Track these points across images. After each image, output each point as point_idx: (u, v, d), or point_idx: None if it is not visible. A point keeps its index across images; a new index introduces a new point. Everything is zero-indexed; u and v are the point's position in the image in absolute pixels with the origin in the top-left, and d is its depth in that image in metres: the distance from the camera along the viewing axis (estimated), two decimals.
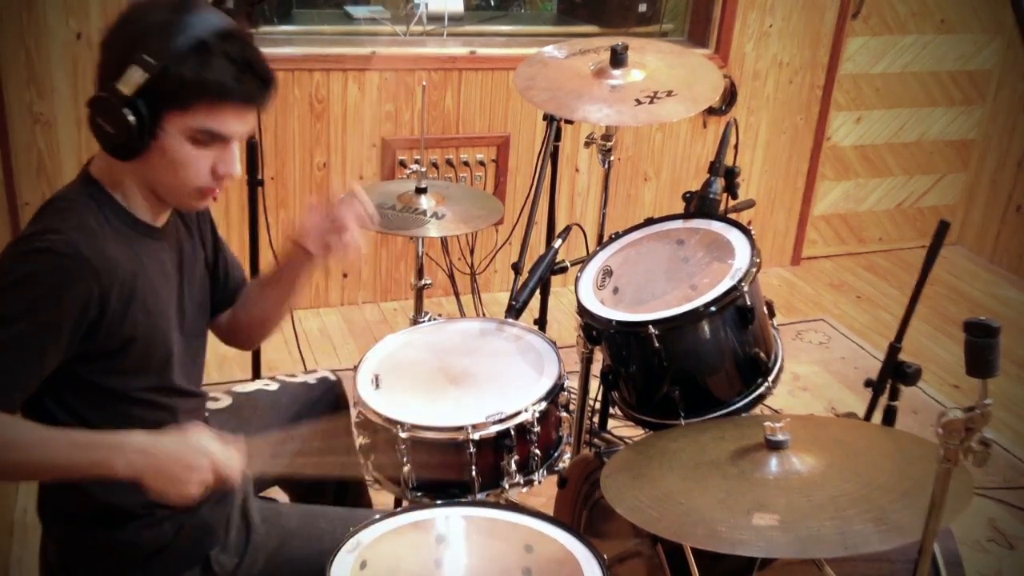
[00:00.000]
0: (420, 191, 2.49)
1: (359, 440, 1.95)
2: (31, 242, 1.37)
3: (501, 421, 1.85)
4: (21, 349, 1.34)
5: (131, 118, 1.37)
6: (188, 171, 1.43)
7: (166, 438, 1.37)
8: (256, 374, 2.83)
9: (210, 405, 1.83)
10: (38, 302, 1.34)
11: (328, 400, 2.00)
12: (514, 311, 2.12)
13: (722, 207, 2.21)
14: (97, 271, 1.37)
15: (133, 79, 1.36)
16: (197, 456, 1.37)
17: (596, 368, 2.13)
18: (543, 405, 1.91)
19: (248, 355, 2.84)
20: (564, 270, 2.28)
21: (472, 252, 3.50)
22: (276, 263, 1.77)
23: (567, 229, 2.29)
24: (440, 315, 3.22)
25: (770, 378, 1.95)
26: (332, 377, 2.05)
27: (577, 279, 2.10)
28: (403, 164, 3.55)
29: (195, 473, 1.36)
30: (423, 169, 2.50)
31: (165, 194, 1.49)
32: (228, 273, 1.77)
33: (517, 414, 1.87)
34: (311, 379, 2.03)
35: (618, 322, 1.93)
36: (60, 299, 1.35)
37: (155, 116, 1.38)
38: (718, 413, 1.91)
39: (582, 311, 2.00)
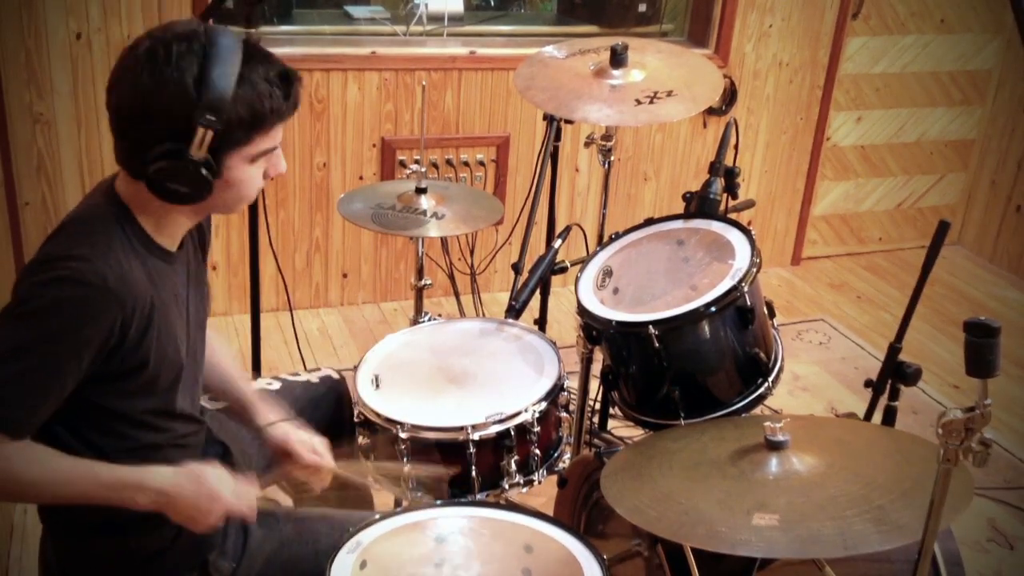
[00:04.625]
0: (420, 191, 2.49)
1: (359, 440, 1.95)
2: (56, 268, 1.35)
3: (501, 421, 1.86)
4: (42, 377, 1.34)
5: (208, 176, 1.39)
6: (252, 189, 1.48)
7: (186, 477, 1.42)
8: (256, 375, 2.83)
9: (210, 405, 1.83)
10: (62, 331, 1.33)
11: (331, 399, 2.00)
12: (514, 311, 2.12)
13: (722, 207, 2.21)
14: (123, 301, 1.36)
15: (203, 141, 1.36)
16: (212, 499, 1.42)
17: (596, 368, 2.13)
18: (543, 405, 1.91)
19: (248, 356, 2.84)
20: (564, 270, 2.28)
21: (472, 252, 3.50)
22: (241, 396, 1.79)
23: (567, 229, 2.29)
24: (440, 315, 3.22)
25: (770, 378, 1.95)
26: (335, 376, 2.05)
27: (577, 279, 2.10)
28: (403, 164, 3.55)
29: (211, 513, 1.43)
30: (423, 169, 2.50)
31: (221, 210, 1.51)
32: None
33: (517, 414, 1.87)
34: (314, 378, 2.03)
35: (618, 322, 1.93)
36: (84, 329, 1.34)
37: (220, 160, 1.40)
38: (718, 413, 1.91)
39: (582, 311, 2.00)
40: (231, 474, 1.48)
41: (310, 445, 1.73)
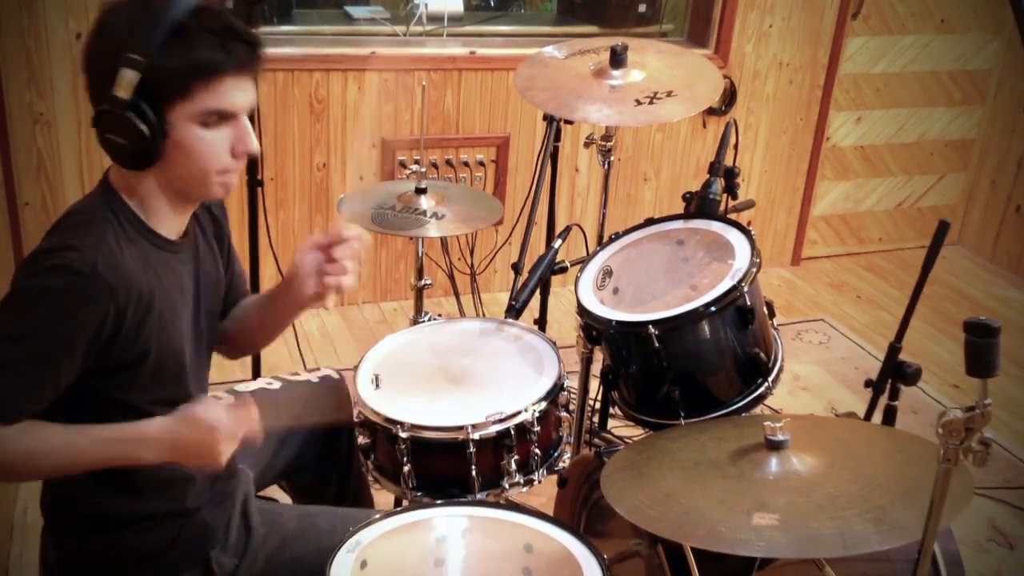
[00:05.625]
0: (420, 191, 2.49)
1: (359, 440, 1.95)
2: (49, 258, 1.36)
3: (501, 421, 1.86)
4: (35, 366, 1.35)
5: (139, 123, 1.36)
6: (207, 157, 1.42)
7: (182, 422, 1.40)
8: (256, 375, 2.83)
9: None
10: (54, 320, 1.34)
11: (331, 399, 2.00)
12: (514, 311, 2.12)
13: (722, 207, 2.21)
14: (114, 289, 1.36)
15: (127, 81, 1.35)
16: (213, 429, 1.40)
17: (596, 368, 2.13)
18: (543, 405, 1.91)
19: (248, 356, 2.83)
20: (564, 270, 2.28)
21: (472, 252, 3.50)
22: (272, 291, 1.75)
23: (567, 229, 2.29)
24: (440, 315, 3.22)
25: (770, 378, 1.95)
26: (335, 376, 2.05)
27: (577, 279, 2.10)
28: (403, 164, 3.55)
29: (217, 447, 1.40)
30: (423, 169, 2.50)
31: (190, 188, 1.47)
32: (233, 283, 1.77)
33: (517, 414, 1.87)
34: (314, 377, 2.03)
35: (618, 322, 1.93)
36: (76, 317, 1.34)
37: (159, 113, 1.37)
38: (718, 413, 1.91)
39: (582, 311, 2.00)
40: (220, 402, 1.45)
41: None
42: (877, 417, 2.07)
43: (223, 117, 1.41)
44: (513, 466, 1.88)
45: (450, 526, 1.57)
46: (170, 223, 1.51)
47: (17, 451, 1.36)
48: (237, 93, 1.41)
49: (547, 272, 2.20)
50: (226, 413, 1.42)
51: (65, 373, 1.38)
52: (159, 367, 1.47)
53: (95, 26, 1.40)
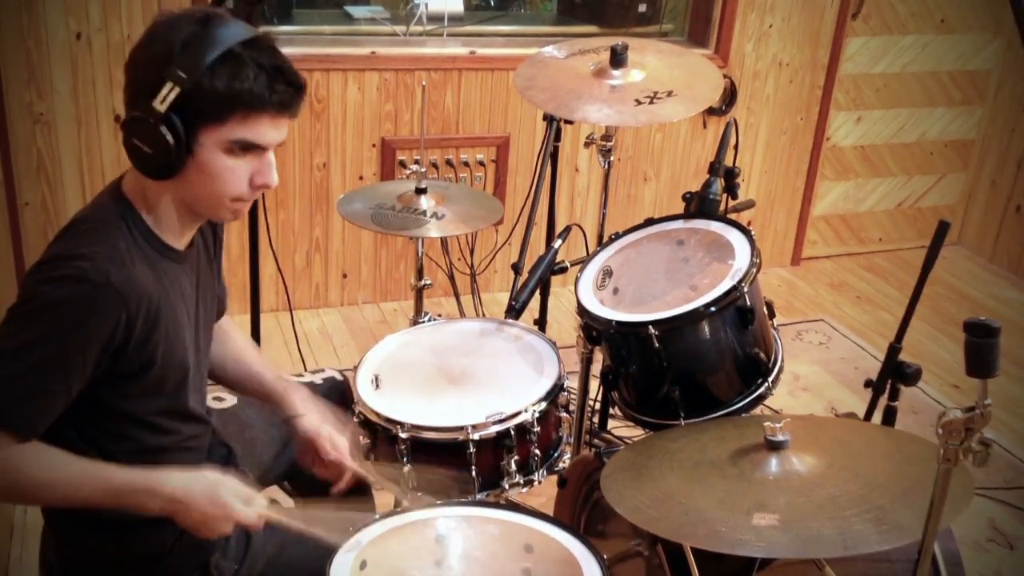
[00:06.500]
0: (420, 191, 2.49)
1: (359, 440, 1.94)
2: (61, 266, 1.35)
3: (501, 421, 1.86)
4: (47, 375, 1.35)
5: (168, 136, 1.36)
6: (226, 183, 1.43)
7: (198, 484, 1.42)
8: None
9: (215, 405, 1.83)
10: (65, 329, 1.34)
11: (334, 400, 1.99)
12: (514, 311, 2.12)
13: (722, 207, 2.21)
14: (126, 300, 1.36)
15: (167, 96, 1.35)
16: (224, 510, 1.42)
17: (596, 368, 2.13)
18: (543, 405, 1.91)
19: None
20: (564, 270, 2.28)
21: (472, 252, 3.50)
22: (268, 389, 1.78)
23: (567, 229, 2.29)
24: (440, 315, 3.22)
25: (770, 378, 1.95)
26: (339, 377, 2.05)
27: (577, 279, 2.10)
28: (403, 164, 3.55)
29: (220, 523, 1.42)
30: (423, 169, 2.50)
31: (202, 208, 1.48)
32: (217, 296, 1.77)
33: (517, 414, 1.87)
34: (317, 379, 2.03)
35: (618, 322, 1.93)
36: (87, 327, 1.34)
37: (191, 131, 1.37)
38: (718, 413, 1.91)
39: (582, 311, 2.01)
40: (242, 482, 1.47)
41: (332, 442, 1.72)
42: (877, 417, 2.07)
43: (250, 148, 1.42)
44: (513, 466, 1.88)
45: (450, 526, 1.57)
46: (178, 234, 1.51)
47: (31, 475, 1.36)
48: (270, 130, 1.42)
49: (547, 272, 2.20)
50: (242, 497, 1.44)
51: (75, 383, 1.37)
52: (163, 377, 1.47)
53: (148, 33, 1.40)
